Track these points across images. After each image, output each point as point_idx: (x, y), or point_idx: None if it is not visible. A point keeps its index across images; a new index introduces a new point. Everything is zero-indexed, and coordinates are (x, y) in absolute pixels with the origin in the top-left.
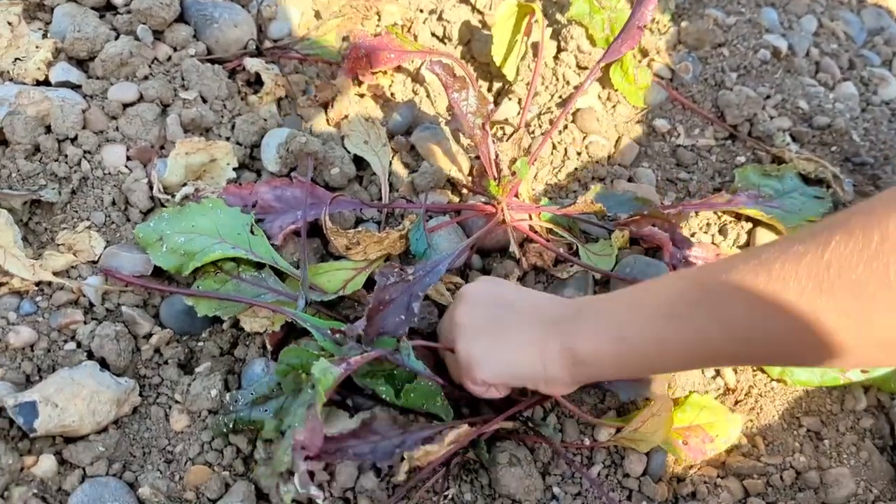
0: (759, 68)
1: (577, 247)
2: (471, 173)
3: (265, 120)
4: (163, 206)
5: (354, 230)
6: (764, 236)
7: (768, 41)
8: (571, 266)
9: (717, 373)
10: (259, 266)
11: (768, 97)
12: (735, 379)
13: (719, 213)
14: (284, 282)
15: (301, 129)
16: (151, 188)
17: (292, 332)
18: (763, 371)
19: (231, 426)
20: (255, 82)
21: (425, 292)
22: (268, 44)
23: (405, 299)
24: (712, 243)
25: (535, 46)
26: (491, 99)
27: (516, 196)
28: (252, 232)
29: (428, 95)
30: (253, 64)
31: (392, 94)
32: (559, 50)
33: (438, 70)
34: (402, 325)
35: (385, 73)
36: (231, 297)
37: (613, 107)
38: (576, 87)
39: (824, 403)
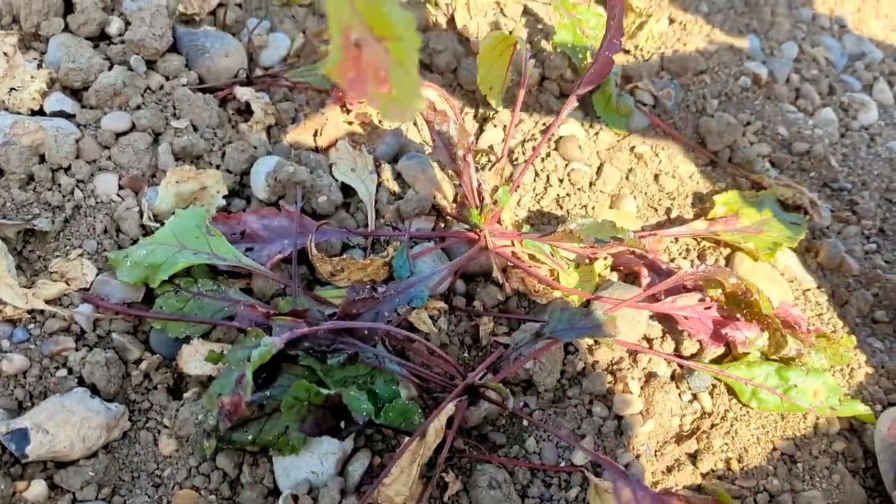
0: (739, 95)
1: (558, 273)
2: (455, 200)
3: (255, 147)
4: (152, 234)
5: (339, 257)
6: (742, 262)
7: (749, 68)
8: (553, 291)
9: (694, 397)
10: (217, 272)
11: (748, 123)
12: (711, 403)
13: (699, 239)
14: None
15: (290, 156)
16: (142, 216)
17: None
18: (735, 396)
19: (212, 451)
20: (246, 111)
21: (392, 312)
22: (258, 72)
23: (371, 315)
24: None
25: (520, 74)
26: (475, 127)
27: (499, 223)
28: (209, 232)
29: (415, 124)
30: (243, 93)
31: (379, 122)
32: (543, 78)
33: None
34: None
35: None
36: (196, 319)
37: (596, 134)
38: (556, 115)
39: (798, 427)
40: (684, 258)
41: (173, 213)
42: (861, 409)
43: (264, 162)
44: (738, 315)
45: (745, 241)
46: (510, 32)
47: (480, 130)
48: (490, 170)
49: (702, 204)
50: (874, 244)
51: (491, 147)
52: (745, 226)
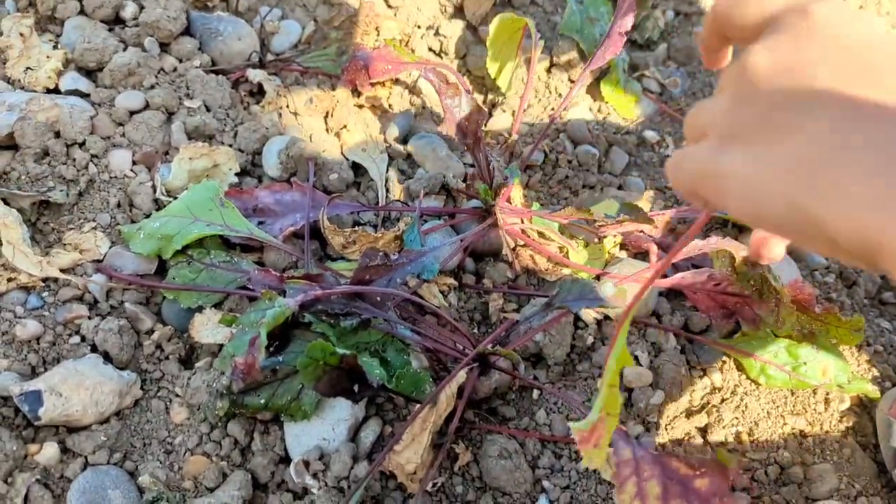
0: None
1: (567, 250)
2: (465, 179)
3: (267, 128)
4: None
5: (351, 229)
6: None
7: None
8: (563, 269)
9: (704, 372)
10: (230, 246)
11: None
12: (721, 378)
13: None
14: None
15: (303, 135)
16: (155, 191)
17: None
18: (744, 371)
19: (224, 411)
20: (258, 92)
21: (405, 280)
22: (270, 57)
23: (383, 283)
24: None
25: (529, 60)
26: (486, 110)
27: (508, 201)
28: (223, 204)
29: (424, 106)
30: (256, 75)
31: (390, 105)
32: (552, 64)
33: (432, 77)
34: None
35: (383, 84)
36: (209, 288)
37: (604, 118)
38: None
39: (808, 402)
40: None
41: (186, 189)
42: (868, 388)
43: (276, 140)
44: (748, 291)
45: None
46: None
47: (489, 115)
48: (501, 147)
49: None
50: None
51: (500, 131)
52: None
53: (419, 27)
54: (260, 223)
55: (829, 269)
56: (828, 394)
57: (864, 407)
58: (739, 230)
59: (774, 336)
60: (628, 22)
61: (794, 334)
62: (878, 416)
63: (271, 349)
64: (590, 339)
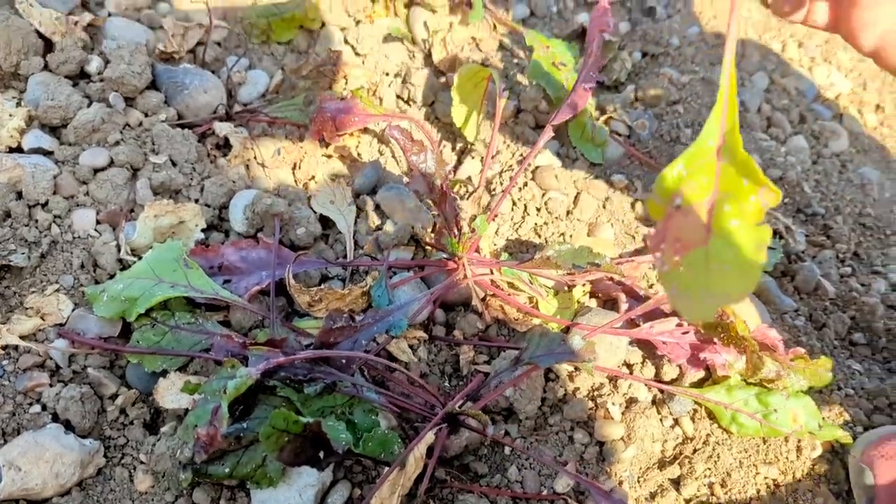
0: None
1: (537, 300)
2: (434, 230)
3: (234, 181)
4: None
5: (317, 288)
6: None
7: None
8: (532, 319)
9: (676, 422)
10: (195, 305)
11: None
12: (692, 428)
13: None
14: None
15: (268, 190)
16: (119, 251)
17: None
18: (716, 420)
19: (188, 482)
20: (225, 145)
21: (370, 340)
22: (237, 107)
23: (349, 345)
24: None
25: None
26: (453, 159)
27: (477, 251)
28: (187, 265)
29: (393, 155)
30: (222, 128)
31: (359, 154)
32: (519, 110)
33: (397, 134)
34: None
35: (351, 134)
36: (173, 352)
37: (573, 163)
38: (533, 146)
39: (780, 450)
40: None
41: (151, 248)
42: (840, 433)
43: (242, 195)
44: (716, 339)
45: None
46: (483, 65)
47: (458, 162)
48: (468, 199)
49: None
50: (849, 268)
51: (469, 178)
52: None
53: (387, 74)
54: (226, 281)
55: (798, 312)
56: (800, 441)
57: (836, 453)
58: None
59: (746, 383)
60: (593, 76)
61: (763, 379)
62: (851, 463)
63: (235, 414)
64: (561, 392)
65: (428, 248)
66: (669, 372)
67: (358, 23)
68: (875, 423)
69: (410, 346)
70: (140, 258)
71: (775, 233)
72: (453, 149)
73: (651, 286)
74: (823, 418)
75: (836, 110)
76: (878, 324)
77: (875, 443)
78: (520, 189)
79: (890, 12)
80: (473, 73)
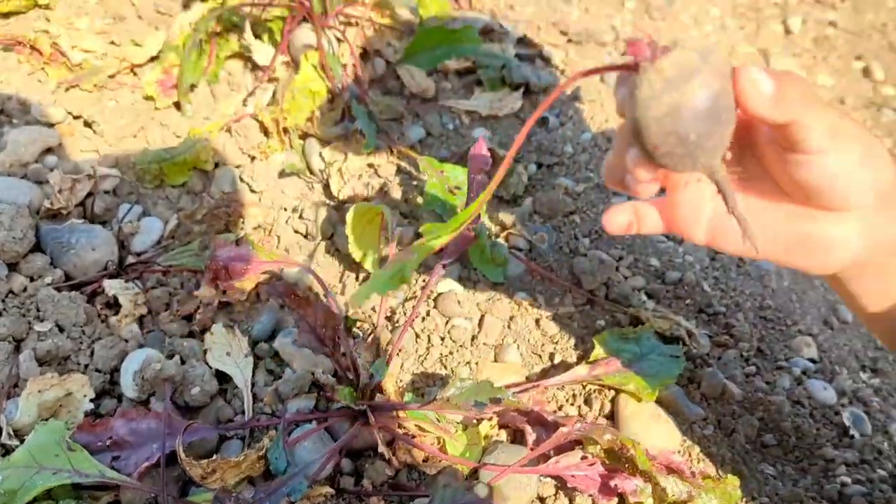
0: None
1: (443, 441)
2: (336, 375)
3: (126, 341)
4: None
5: (208, 459)
6: (627, 404)
7: (614, 204)
8: (440, 461)
9: None
10: (83, 488)
11: (621, 258)
12: None
13: (585, 384)
14: None
15: (164, 345)
16: (1, 434)
17: None
18: None
19: None
20: (116, 304)
21: None
22: (131, 259)
23: None
24: (579, 415)
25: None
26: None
27: (381, 392)
28: (70, 448)
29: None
30: (111, 286)
31: (258, 297)
32: (418, 235)
33: (277, 293)
34: None
35: (248, 279)
36: None
37: (475, 285)
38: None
39: None
40: (571, 405)
41: (36, 425)
42: None
43: (133, 359)
44: (621, 468)
45: (626, 383)
46: (381, 190)
47: None
48: (369, 338)
49: (584, 345)
50: (753, 366)
51: (373, 309)
52: (627, 365)
53: (285, 209)
54: (115, 458)
55: (706, 420)
56: None
57: None
58: (616, 392)
59: None
60: (477, 220)
61: (677, 502)
62: None
63: None
64: None
65: (332, 392)
66: (583, 503)
67: (253, 159)
68: None
69: None
70: (23, 440)
71: (678, 339)
72: (357, 279)
73: (560, 407)
74: None
75: None
76: (786, 422)
77: None
78: (423, 319)
79: (707, 207)
80: (365, 211)
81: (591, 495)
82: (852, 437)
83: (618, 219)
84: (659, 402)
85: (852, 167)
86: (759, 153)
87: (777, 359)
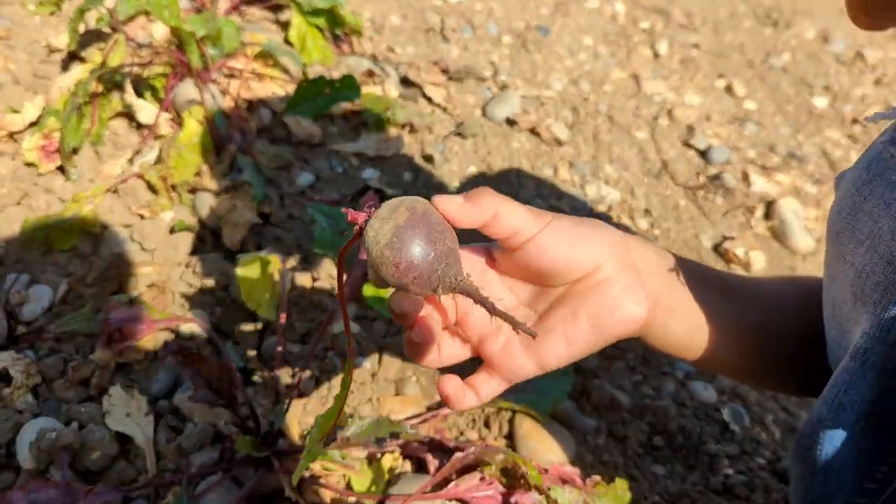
0: None
1: (349, 478)
2: (237, 424)
3: (20, 413)
4: None
5: None
6: (522, 423)
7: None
8: (347, 498)
9: None
10: None
11: None
12: None
13: (483, 408)
14: None
15: (61, 412)
16: None
17: None
18: None
19: None
20: (7, 376)
21: None
22: (21, 329)
23: None
24: (479, 437)
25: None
26: (255, 340)
27: (284, 437)
28: None
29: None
30: (2, 359)
31: (156, 354)
32: (314, 280)
33: (171, 351)
34: None
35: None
36: None
37: (371, 323)
38: (330, 314)
39: None
40: (472, 429)
41: None
42: None
43: (27, 430)
44: (518, 485)
45: (521, 403)
46: (275, 238)
47: (260, 341)
48: (265, 387)
49: None
50: (640, 375)
51: (272, 357)
52: (519, 387)
53: (178, 265)
54: None
55: (598, 430)
56: None
57: None
58: (514, 413)
59: None
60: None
61: None
62: None
63: None
64: None
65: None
66: None
67: (142, 218)
68: None
69: None
70: None
71: None
72: (255, 327)
73: (462, 433)
74: None
75: (611, 221)
76: (673, 424)
77: None
78: (322, 360)
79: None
80: (255, 262)
81: None
82: (733, 431)
83: (453, 390)
84: (553, 417)
85: (566, 230)
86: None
87: (661, 365)
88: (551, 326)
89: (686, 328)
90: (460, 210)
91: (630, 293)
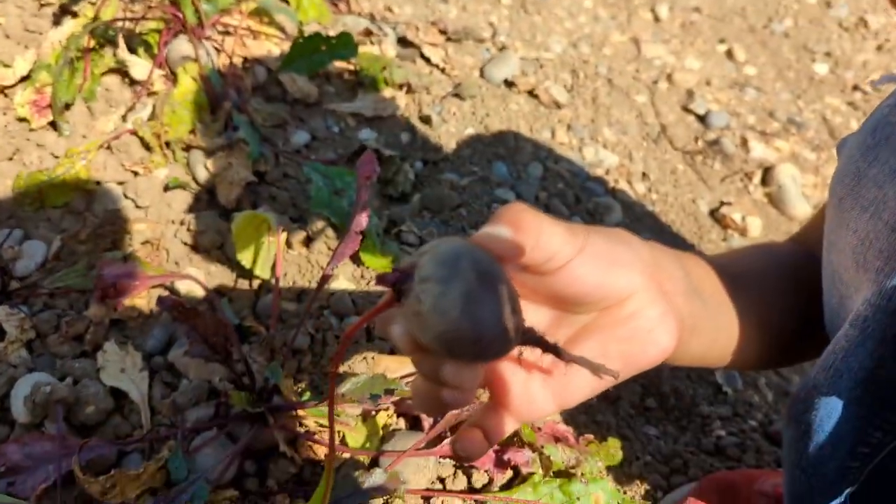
0: None
1: (343, 434)
2: (232, 381)
3: (15, 367)
4: None
5: (107, 475)
6: None
7: (498, 195)
8: (342, 454)
9: None
10: None
11: None
12: None
13: None
14: None
15: (55, 367)
16: None
17: None
18: None
19: None
20: (1, 331)
21: None
22: (14, 284)
23: None
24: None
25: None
26: (251, 298)
27: (280, 394)
28: None
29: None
30: None
31: (151, 311)
32: (310, 239)
33: (165, 307)
34: None
35: (139, 295)
36: None
37: (367, 283)
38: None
39: None
40: None
41: None
42: None
43: (22, 384)
44: (512, 442)
45: None
46: (271, 196)
47: (256, 298)
48: (262, 342)
49: None
50: None
51: (267, 315)
52: None
53: (172, 223)
54: (10, 484)
55: None
56: None
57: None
58: None
59: (551, 476)
60: (363, 220)
61: (562, 469)
62: None
63: None
64: None
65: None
66: (480, 479)
67: (136, 175)
68: (674, 484)
69: None
70: None
71: None
72: (250, 286)
73: None
74: (625, 492)
75: (608, 185)
76: (666, 386)
77: None
78: (316, 319)
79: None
80: (251, 219)
81: (486, 471)
82: (726, 393)
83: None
84: None
85: (602, 255)
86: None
87: None
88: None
89: (704, 346)
90: (511, 246)
91: (663, 325)
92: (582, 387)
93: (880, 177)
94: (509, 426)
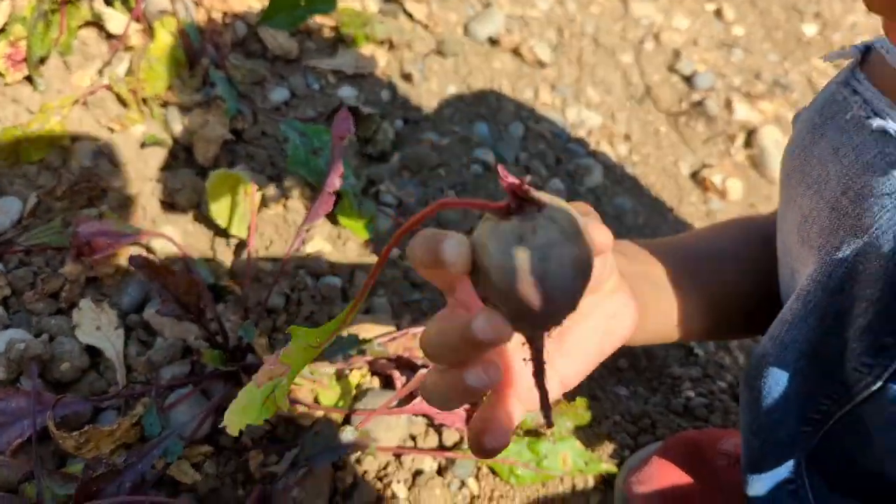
0: (473, 182)
1: (317, 392)
2: (207, 340)
3: None
4: None
5: (81, 430)
6: None
7: (478, 156)
8: (315, 412)
9: (462, 483)
10: None
11: None
12: (478, 486)
13: None
14: None
15: (31, 325)
16: None
17: None
18: (497, 474)
19: None
20: None
21: (138, 481)
22: None
23: (113, 489)
24: None
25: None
26: (229, 256)
27: (253, 352)
28: None
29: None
30: None
31: (127, 269)
32: (286, 197)
33: (138, 265)
34: None
35: (115, 253)
36: None
37: (344, 244)
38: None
39: (558, 490)
40: None
41: None
42: (603, 466)
43: None
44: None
45: None
46: (248, 154)
47: (235, 256)
48: (233, 304)
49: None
50: None
51: (243, 274)
52: None
53: (150, 180)
54: None
55: None
56: (573, 479)
57: (607, 483)
58: None
59: (520, 435)
60: (337, 181)
61: (533, 428)
62: (616, 492)
63: None
64: (350, 479)
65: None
66: (451, 437)
67: (112, 131)
68: (641, 443)
69: (195, 465)
70: None
71: None
72: (227, 244)
73: None
74: (593, 451)
75: (590, 146)
76: (638, 348)
77: (635, 468)
78: (292, 279)
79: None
80: (224, 178)
81: (457, 429)
82: (697, 355)
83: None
84: None
85: None
86: None
87: None
88: (569, 347)
89: (656, 323)
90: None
91: (626, 307)
92: (579, 370)
93: (825, 155)
94: (520, 413)
